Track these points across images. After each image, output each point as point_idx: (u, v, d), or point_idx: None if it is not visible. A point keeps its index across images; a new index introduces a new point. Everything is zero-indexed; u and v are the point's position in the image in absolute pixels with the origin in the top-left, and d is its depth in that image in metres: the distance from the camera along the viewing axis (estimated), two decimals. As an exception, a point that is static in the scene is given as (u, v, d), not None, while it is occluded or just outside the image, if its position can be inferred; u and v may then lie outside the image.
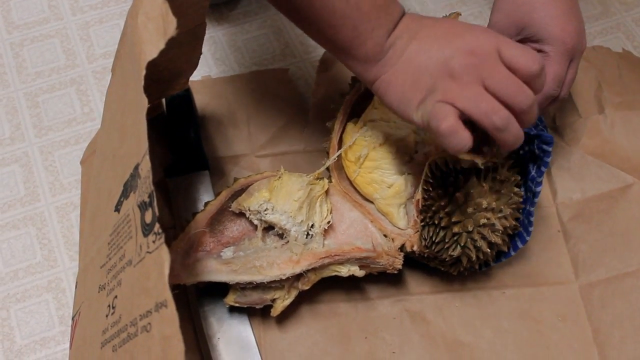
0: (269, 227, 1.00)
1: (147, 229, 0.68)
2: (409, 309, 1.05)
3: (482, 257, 0.98)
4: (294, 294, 0.98)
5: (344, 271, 0.98)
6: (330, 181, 1.05)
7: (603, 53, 1.29)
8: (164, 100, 1.15)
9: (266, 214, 0.97)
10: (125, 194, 0.77)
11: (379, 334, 1.04)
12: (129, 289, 0.70)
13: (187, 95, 1.17)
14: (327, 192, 1.03)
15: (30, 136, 1.21)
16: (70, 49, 1.31)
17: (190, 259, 0.96)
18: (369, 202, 1.04)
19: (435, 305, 1.06)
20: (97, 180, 0.94)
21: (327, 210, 1.01)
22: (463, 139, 0.77)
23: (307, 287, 0.98)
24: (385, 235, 0.99)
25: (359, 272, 0.98)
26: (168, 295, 0.62)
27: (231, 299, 0.98)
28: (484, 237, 0.94)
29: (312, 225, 0.98)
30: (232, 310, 1.02)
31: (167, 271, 0.62)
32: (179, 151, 1.14)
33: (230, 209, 1.01)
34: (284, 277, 0.94)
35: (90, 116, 1.23)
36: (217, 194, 1.02)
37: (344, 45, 0.86)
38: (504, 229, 0.95)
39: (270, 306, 0.99)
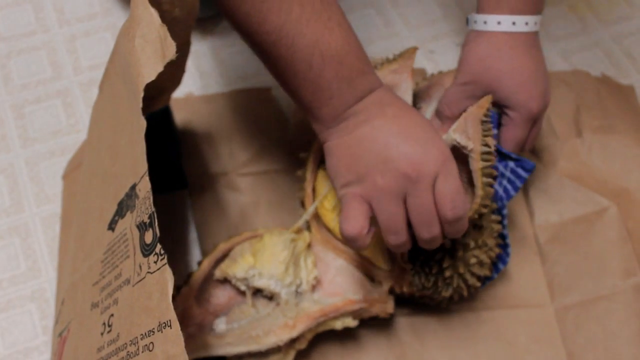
0: (257, 290, 0.99)
1: (147, 249, 0.69)
2: (385, 330, 1.06)
3: (472, 290, 0.99)
4: (291, 354, 0.97)
5: (339, 324, 0.97)
6: (309, 231, 1.04)
7: (583, 77, 1.30)
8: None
9: (254, 280, 0.96)
10: (120, 213, 0.77)
11: (355, 355, 1.05)
12: (128, 308, 0.70)
13: (166, 113, 1.17)
14: (309, 244, 1.02)
15: (16, 147, 1.21)
16: (57, 61, 1.31)
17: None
18: (350, 248, 1.02)
19: (411, 327, 1.07)
20: (86, 198, 0.94)
21: (312, 263, 1.00)
22: (362, 244, 0.84)
23: (304, 346, 0.97)
24: (372, 280, 1.00)
25: (353, 323, 0.98)
26: (172, 315, 0.62)
27: None
28: (473, 274, 0.96)
29: (300, 283, 0.98)
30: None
31: (170, 291, 0.63)
32: (158, 170, 1.14)
33: (215, 278, 1.00)
34: (281, 344, 0.93)
35: (75, 128, 1.24)
36: (199, 263, 1.01)
37: (303, 102, 0.87)
38: (491, 260, 0.97)
39: None
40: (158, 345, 0.64)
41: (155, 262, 0.67)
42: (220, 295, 1.00)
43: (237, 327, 0.96)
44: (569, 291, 1.10)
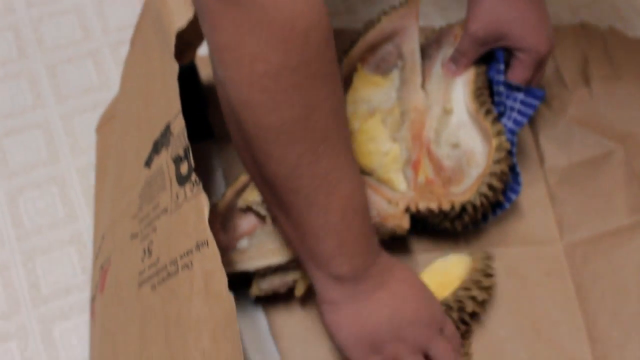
0: None
1: (183, 180, 0.73)
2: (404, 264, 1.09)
3: (485, 203, 1.00)
4: None
5: None
6: None
7: (590, 30, 1.32)
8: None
9: None
10: (156, 150, 0.81)
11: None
12: (167, 234, 0.74)
13: (192, 68, 1.19)
14: None
15: (51, 104, 1.27)
16: (86, 24, 1.36)
17: None
18: (367, 175, 1.05)
19: (427, 263, 1.07)
20: (121, 144, 0.99)
21: None
22: None
23: None
24: (389, 202, 1.01)
25: None
26: (209, 235, 0.66)
27: (256, 289, 1.00)
28: (486, 197, 0.99)
29: None
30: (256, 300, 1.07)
31: (206, 214, 0.67)
32: (186, 121, 1.18)
33: (238, 207, 1.03)
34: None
35: (106, 85, 1.29)
36: (223, 194, 1.04)
37: (322, 257, 0.84)
38: (501, 173, 1.00)
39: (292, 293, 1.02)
40: (196, 262, 0.68)
41: (192, 190, 0.71)
42: (245, 225, 1.02)
43: (257, 242, 0.99)
44: (577, 229, 1.13)
